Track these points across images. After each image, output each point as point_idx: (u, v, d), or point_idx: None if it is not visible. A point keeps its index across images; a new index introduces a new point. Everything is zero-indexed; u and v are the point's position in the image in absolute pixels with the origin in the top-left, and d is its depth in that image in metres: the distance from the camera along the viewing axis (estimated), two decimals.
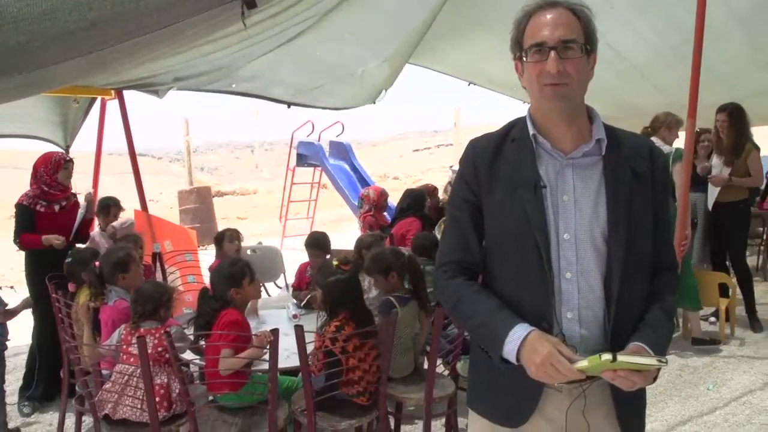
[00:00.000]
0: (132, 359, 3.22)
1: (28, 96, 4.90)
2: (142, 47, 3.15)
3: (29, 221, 4.69)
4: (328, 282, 3.38)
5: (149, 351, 3.13)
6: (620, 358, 1.47)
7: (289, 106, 7.40)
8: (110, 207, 5.46)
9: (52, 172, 4.78)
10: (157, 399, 3.15)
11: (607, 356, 1.46)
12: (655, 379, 1.62)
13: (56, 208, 4.80)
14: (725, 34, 5.62)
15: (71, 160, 4.94)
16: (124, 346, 3.31)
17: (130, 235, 5.31)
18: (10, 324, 3.97)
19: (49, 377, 4.72)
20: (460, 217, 1.82)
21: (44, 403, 4.76)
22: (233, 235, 5.09)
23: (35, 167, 4.83)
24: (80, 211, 5.06)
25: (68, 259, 4.23)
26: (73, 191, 5.03)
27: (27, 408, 4.67)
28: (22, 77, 2.66)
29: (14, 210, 4.81)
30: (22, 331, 4.67)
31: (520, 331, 1.62)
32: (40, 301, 4.38)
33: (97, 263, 3.94)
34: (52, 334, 4.38)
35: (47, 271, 4.36)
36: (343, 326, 3.23)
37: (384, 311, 3.53)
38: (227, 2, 2.88)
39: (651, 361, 1.53)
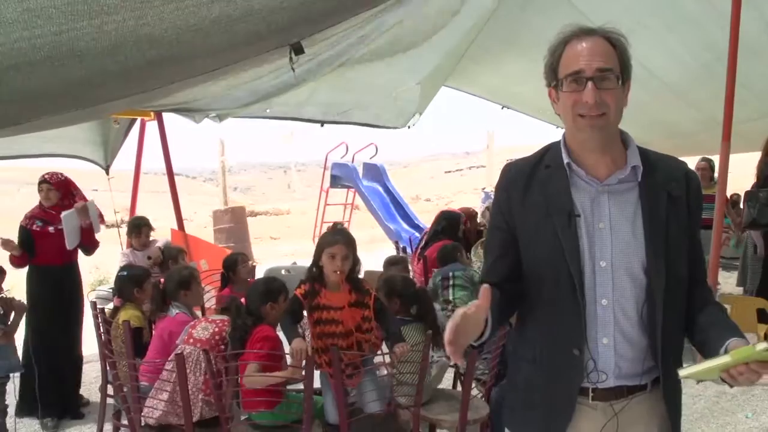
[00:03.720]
0: (192, 341, 3.35)
1: (72, 125, 5.08)
2: (187, 86, 3.23)
3: (25, 242, 4.70)
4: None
5: (208, 336, 3.33)
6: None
7: (322, 125, 7.44)
8: (141, 227, 5.44)
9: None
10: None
11: (763, 345, 1.34)
12: None
13: (50, 229, 4.71)
14: (759, 48, 5.50)
15: (44, 181, 4.79)
16: (191, 330, 3.45)
17: (174, 247, 5.45)
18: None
19: (47, 388, 4.60)
20: (492, 243, 1.86)
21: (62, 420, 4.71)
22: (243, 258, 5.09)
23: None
24: (71, 220, 4.74)
25: (123, 273, 4.25)
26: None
27: (51, 422, 4.62)
28: (77, 112, 2.76)
29: None
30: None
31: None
32: (35, 315, 4.57)
33: (162, 280, 4.07)
34: (46, 346, 4.58)
35: (46, 287, 4.64)
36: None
37: None
38: (275, 48, 2.92)
39: None
